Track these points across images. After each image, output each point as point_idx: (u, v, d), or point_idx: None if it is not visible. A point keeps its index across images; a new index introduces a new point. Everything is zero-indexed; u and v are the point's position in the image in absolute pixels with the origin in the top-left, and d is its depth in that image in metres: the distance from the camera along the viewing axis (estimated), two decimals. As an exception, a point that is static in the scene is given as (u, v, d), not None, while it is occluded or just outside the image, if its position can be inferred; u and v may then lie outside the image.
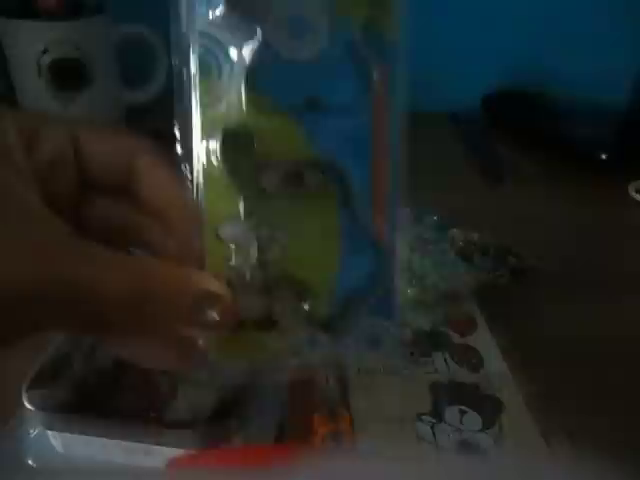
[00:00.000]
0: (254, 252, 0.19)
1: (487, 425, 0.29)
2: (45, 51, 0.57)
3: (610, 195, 0.57)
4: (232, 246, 0.19)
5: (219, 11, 0.19)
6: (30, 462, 0.26)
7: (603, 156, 0.57)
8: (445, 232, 0.41)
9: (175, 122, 0.20)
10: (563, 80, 0.72)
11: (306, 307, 0.20)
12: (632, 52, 0.70)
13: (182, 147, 0.20)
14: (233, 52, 0.19)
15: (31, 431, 0.26)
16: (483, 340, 0.34)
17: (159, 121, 0.71)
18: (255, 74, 0.19)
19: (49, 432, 0.25)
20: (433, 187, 0.55)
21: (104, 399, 0.25)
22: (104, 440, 0.25)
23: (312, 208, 0.20)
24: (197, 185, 0.20)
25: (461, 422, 0.29)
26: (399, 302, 0.21)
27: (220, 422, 0.25)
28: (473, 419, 0.29)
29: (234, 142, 0.19)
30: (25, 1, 0.57)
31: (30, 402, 0.24)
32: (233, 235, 0.19)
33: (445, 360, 0.33)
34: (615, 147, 0.60)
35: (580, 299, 0.38)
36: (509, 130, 0.69)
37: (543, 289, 0.39)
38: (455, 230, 0.41)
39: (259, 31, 0.19)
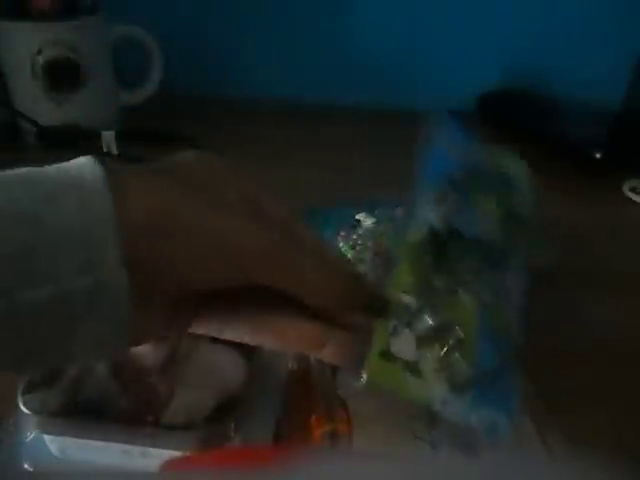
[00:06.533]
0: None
1: (484, 424, 0.29)
2: (39, 52, 0.57)
3: (605, 194, 0.57)
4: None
5: None
6: (27, 466, 0.25)
7: (598, 155, 0.58)
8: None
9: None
10: (559, 80, 0.73)
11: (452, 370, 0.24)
12: (627, 53, 0.70)
13: None
14: None
15: (27, 435, 0.26)
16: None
17: (153, 121, 0.71)
18: None
19: (45, 436, 0.25)
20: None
21: (100, 402, 0.25)
22: (100, 443, 0.25)
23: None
24: None
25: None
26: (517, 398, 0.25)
27: (218, 423, 0.24)
28: (470, 418, 0.29)
29: None
30: (19, 2, 0.56)
31: (26, 406, 0.24)
32: None
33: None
34: (610, 146, 0.60)
35: (576, 298, 0.38)
36: (505, 129, 0.69)
37: (538, 288, 0.39)
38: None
39: None
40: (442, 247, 0.29)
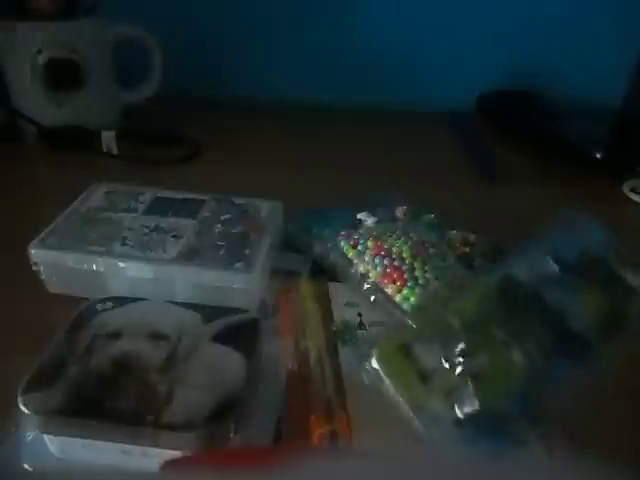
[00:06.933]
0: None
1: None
2: (40, 51, 0.57)
3: (605, 194, 0.57)
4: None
5: None
6: (27, 466, 0.25)
7: (598, 155, 0.58)
8: (442, 231, 0.41)
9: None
10: (558, 80, 0.73)
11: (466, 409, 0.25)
12: (627, 52, 0.70)
13: None
14: None
15: (27, 435, 0.26)
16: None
17: (153, 121, 0.71)
18: None
19: (45, 436, 0.25)
20: (430, 186, 0.55)
21: (100, 402, 0.25)
22: (100, 443, 0.24)
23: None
24: None
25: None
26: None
27: (218, 423, 0.24)
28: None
29: None
30: (19, 2, 0.56)
31: (26, 406, 0.24)
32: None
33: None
34: (610, 146, 0.60)
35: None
36: (505, 129, 0.69)
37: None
38: (453, 232, 0.41)
39: None
40: (518, 305, 0.29)
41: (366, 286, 0.37)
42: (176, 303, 0.31)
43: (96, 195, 0.42)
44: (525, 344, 0.27)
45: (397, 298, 0.35)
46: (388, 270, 0.36)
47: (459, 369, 0.25)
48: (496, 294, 0.29)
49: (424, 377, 0.25)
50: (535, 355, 0.27)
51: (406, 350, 0.26)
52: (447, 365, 0.25)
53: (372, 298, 0.36)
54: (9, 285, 0.39)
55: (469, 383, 0.25)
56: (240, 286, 0.34)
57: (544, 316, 0.29)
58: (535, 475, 0.15)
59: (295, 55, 0.76)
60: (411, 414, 0.25)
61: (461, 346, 0.26)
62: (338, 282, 0.38)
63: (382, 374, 0.26)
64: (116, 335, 0.28)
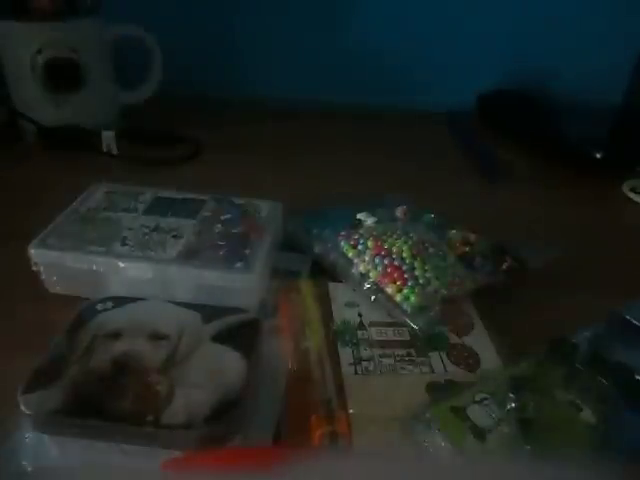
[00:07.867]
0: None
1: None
2: (39, 52, 0.57)
3: (605, 194, 0.57)
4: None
5: None
6: (26, 466, 0.25)
7: (598, 155, 0.58)
8: (442, 231, 0.41)
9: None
10: (558, 80, 0.73)
11: None
12: (627, 52, 0.70)
13: None
14: None
15: (27, 435, 0.26)
16: (480, 340, 0.34)
17: (153, 121, 0.71)
18: None
19: (45, 436, 0.25)
20: (430, 185, 0.55)
21: (100, 402, 0.25)
22: (100, 443, 0.25)
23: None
24: None
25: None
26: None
27: (218, 423, 0.24)
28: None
29: None
30: (19, 2, 0.56)
31: (26, 406, 0.24)
32: None
33: (442, 360, 0.33)
34: (610, 146, 0.60)
35: (576, 298, 0.38)
36: (504, 129, 0.69)
37: (539, 288, 0.39)
38: (454, 232, 0.41)
39: None
40: (578, 365, 0.29)
41: (366, 286, 0.37)
42: (176, 303, 0.31)
43: (96, 195, 0.42)
44: (594, 402, 0.27)
45: (397, 298, 0.35)
46: (388, 270, 0.36)
47: (517, 428, 0.25)
48: (554, 358, 0.29)
49: (479, 435, 0.26)
50: (606, 410, 0.27)
51: (458, 411, 0.26)
52: (504, 425, 0.26)
53: (372, 298, 0.36)
54: (9, 285, 0.39)
55: (529, 444, 0.25)
56: (240, 286, 0.34)
57: (608, 372, 0.29)
58: (531, 476, 0.15)
59: (295, 55, 0.76)
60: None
61: (518, 406, 0.26)
62: (338, 282, 0.38)
63: (437, 433, 0.26)
64: (116, 335, 0.28)
